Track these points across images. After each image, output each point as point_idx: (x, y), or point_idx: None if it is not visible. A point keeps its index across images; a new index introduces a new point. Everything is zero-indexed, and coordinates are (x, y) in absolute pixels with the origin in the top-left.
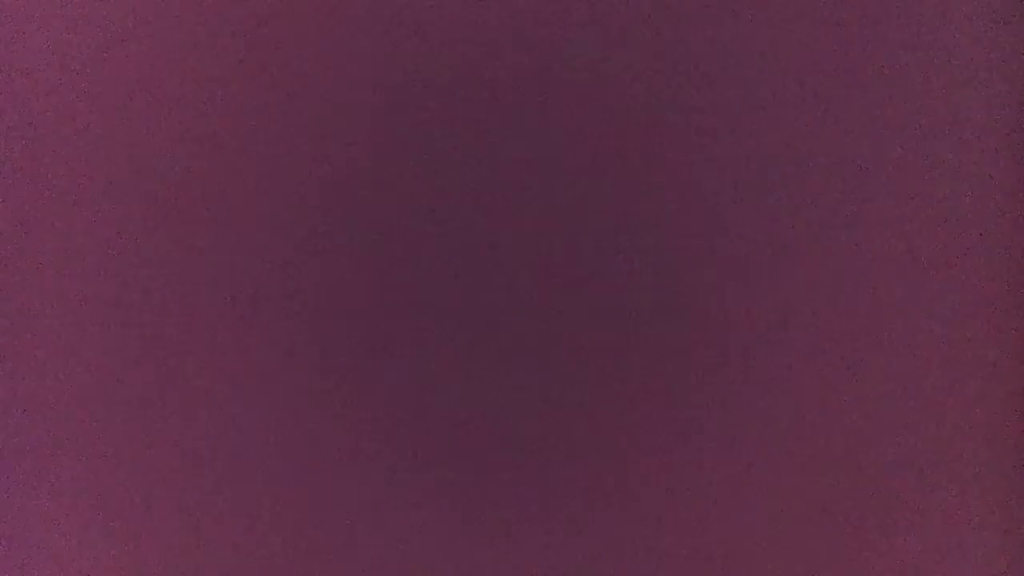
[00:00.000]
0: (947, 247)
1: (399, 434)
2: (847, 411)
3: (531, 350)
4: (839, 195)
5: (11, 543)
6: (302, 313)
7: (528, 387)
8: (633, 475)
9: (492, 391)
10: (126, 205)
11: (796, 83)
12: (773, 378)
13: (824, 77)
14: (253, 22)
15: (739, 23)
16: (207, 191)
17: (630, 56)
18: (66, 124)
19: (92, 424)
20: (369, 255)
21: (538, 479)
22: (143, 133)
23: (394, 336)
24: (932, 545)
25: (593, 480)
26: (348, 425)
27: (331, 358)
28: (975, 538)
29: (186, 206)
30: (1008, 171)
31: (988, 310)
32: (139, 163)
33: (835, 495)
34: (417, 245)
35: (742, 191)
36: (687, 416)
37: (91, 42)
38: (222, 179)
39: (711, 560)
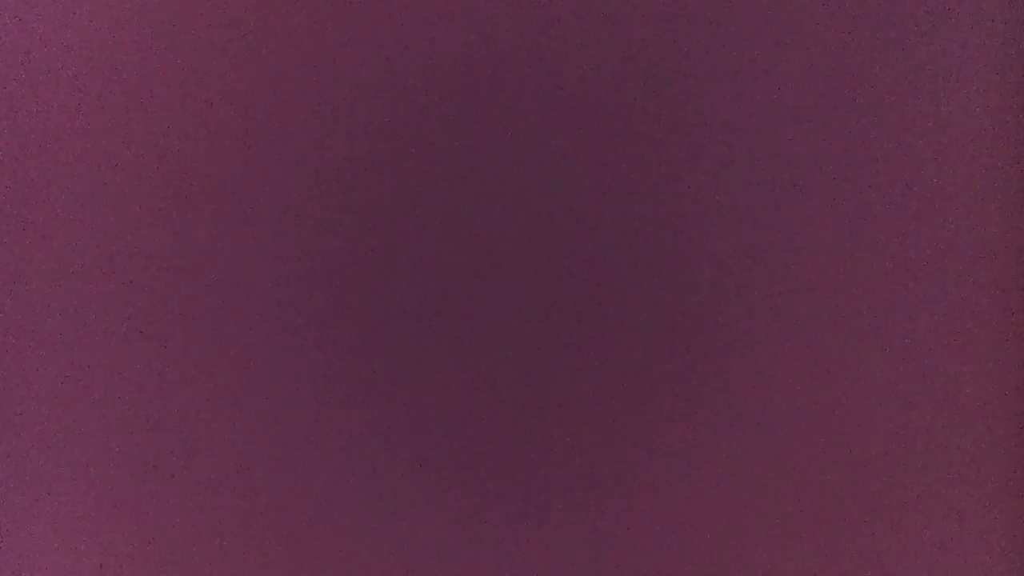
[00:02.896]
0: (947, 247)
1: (399, 434)
2: (847, 411)
3: (531, 350)
4: (839, 195)
5: (11, 543)
6: (302, 313)
7: (528, 387)
8: (633, 475)
9: (492, 391)
10: (126, 205)
11: (795, 83)
12: (773, 378)
13: (823, 77)
14: (253, 22)
15: (739, 23)
16: (207, 191)
17: (630, 56)
18: (66, 124)
19: (91, 424)
20: (369, 255)
21: (538, 480)
22: (143, 133)
23: (394, 336)
24: (932, 545)
25: (593, 481)
26: (348, 425)
27: (331, 358)
28: (975, 538)
29: (186, 206)
30: (1008, 171)
31: (988, 310)
32: (139, 163)
33: (835, 495)
34: (418, 245)
35: (742, 191)
36: (687, 416)
37: (90, 41)
38: (222, 179)
39: (711, 560)
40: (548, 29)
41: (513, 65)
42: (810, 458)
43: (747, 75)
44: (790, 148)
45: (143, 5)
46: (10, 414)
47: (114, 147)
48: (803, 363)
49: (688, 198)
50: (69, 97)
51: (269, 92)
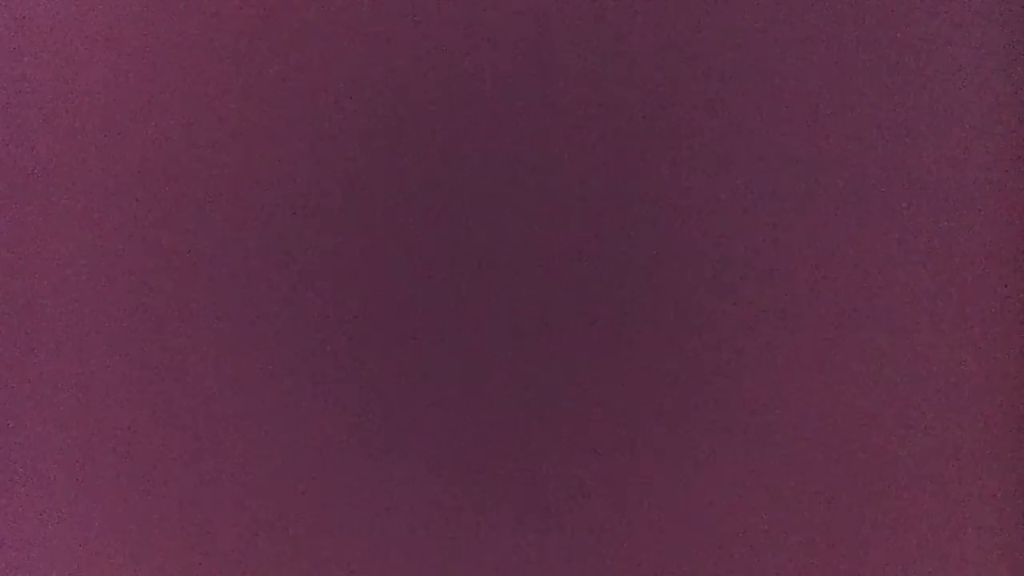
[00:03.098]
0: (947, 247)
1: (399, 434)
2: (847, 411)
3: (531, 350)
4: (838, 195)
5: (11, 543)
6: (302, 313)
7: (528, 387)
8: (633, 475)
9: (492, 391)
10: (126, 205)
11: (795, 83)
12: (773, 378)
13: (823, 77)
14: (253, 22)
15: (739, 23)
16: (207, 191)
17: (630, 56)
18: (67, 124)
19: (91, 424)
20: (369, 255)
21: (538, 480)
22: (144, 133)
23: (395, 336)
24: (932, 545)
25: (592, 480)
26: (348, 425)
27: (331, 358)
28: (975, 538)
29: (187, 205)
30: (1008, 171)
31: (988, 310)
32: (139, 163)
33: (835, 495)
34: (418, 245)
35: (742, 191)
36: (687, 416)
37: (91, 42)
38: (222, 179)
39: (711, 560)
40: (548, 29)
41: (514, 65)
42: (810, 458)
43: (747, 76)
44: (790, 148)
45: (143, 5)
46: (10, 414)
47: (114, 147)
48: (803, 363)
49: (689, 198)
50: (69, 97)
51: (270, 92)
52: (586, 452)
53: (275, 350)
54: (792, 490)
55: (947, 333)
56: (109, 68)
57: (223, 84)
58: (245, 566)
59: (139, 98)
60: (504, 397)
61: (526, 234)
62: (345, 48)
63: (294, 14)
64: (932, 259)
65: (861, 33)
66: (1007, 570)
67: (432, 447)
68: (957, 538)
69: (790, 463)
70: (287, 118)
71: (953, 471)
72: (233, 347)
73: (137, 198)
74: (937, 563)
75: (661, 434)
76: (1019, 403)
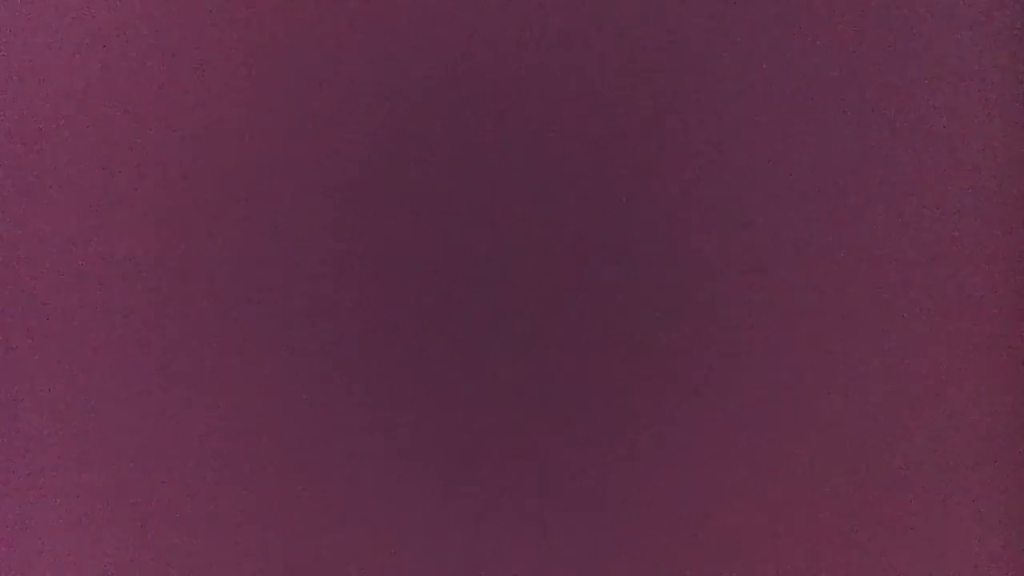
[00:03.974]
0: (947, 247)
1: (399, 434)
2: (846, 411)
3: (531, 350)
4: (839, 196)
5: (11, 543)
6: (303, 314)
7: (528, 387)
8: (633, 475)
9: (493, 392)
10: (127, 205)
11: (796, 83)
12: (774, 378)
13: (824, 77)
14: (254, 22)
15: (740, 24)
16: (208, 191)
17: (630, 56)
18: (67, 124)
19: (93, 425)
20: (370, 255)
21: (537, 480)
22: (145, 133)
23: (395, 337)
24: (932, 545)
25: (592, 480)
26: (348, 425)
27: (331, 358)
28: (975, 538)
29: (187, 206)
30: (1009, 172)
31: (988, 311)
32: (140, 163)
33: (834, 495)
34: (418, 245)
35: (744, 192)
36: (687, 417)
37: (91, 41)
38: (223, 179)
39: (710, 560)
40: (549, 30)
41: (514, 65)
42: (810, 458)
43: (748, 77)
44: (791, 149)
45: (144, 5)
46: (11, 414)
47: (114, 147)
48: (804, 363)
49: (690, 199)
50: (70, 98)
51: (270, 93)
52: (587, 452)
53: (276, 351)
54: (792, 490)
55: (947, 333)
56: (109, 68)
57: (223, 84)
58: (245, 566)
59: (139, 98)
60: (505, 397)
61: (526, 234)
62: (345, 48)
63: (294, 14)
64: (932, 259)
65: (861, 33)
66: (1007, 570)
67: (432, 447)
68: (957, 538)
69: (790, 463)
70: (287, 118)
71: (953, 471)
72: (234, 347)
73: (137, 198)
74: (937, 563)
75: (663, 434)
76: (1019, 403)
